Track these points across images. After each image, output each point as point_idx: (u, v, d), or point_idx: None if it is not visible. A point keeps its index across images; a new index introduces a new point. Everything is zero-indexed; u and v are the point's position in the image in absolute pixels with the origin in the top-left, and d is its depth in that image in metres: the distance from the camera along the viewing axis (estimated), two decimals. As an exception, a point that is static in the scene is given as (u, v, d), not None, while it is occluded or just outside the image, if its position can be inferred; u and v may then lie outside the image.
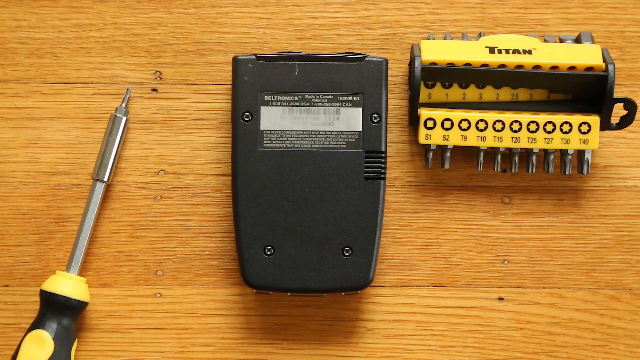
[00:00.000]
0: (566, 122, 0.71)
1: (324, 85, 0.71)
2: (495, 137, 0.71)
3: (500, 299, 0.74)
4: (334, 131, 0.71)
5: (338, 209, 0.70)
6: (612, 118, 0.72)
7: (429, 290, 0.74)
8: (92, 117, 0.74)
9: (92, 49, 0.75)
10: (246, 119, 0.71)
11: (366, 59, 0.71)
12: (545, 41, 0.73)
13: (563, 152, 0.73)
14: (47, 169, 0.74)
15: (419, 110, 0.72)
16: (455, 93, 0.73)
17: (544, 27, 0.75)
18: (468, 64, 0.71)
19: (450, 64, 0.71)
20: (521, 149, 0.72)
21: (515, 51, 0.71)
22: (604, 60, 0.71)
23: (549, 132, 0.71)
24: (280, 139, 0.71)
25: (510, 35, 0.72)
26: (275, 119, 0.71)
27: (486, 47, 0.71)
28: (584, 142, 0.71)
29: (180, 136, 0.74)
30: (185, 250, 0.74)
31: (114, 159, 0.73)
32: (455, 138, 0.72)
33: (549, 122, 0.71)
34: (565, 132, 0.71)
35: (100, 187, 0.73)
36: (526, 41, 0.72)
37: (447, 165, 0.73)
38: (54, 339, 0.71)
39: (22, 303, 0.74)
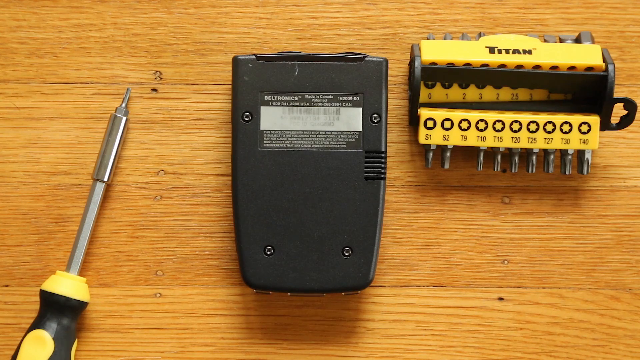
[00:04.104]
0: (566, 122, 0.71)
1: (324, 85, 0.71)
2: (495, 137, 0.71)
3: (500, 299, 0.74)
4: (334, 131, 0.71)
5: (338, 209, 0.70)
6: (612, 118, 0.72)
7: (429, 290, 0.74)
8: (92, 117, 0.74)
9: (92, 49, 0.75)
10: (246, 119, 0.71)
11: (366, 59, 0.71)
12: (545, 41, 0.73)
13: (563, 152, 0.73)
14: (47, 169, 0.74)
15: (419, 110, 0.72)
16: (455, 93, 0.73)
17: (544, 27, 0.75)
18: (468, 64, 0.71)
19: (450, 64, 0.71)
20: (521, 149, 0.72)
21: (515, 51, 0.71)
22: (604, 60, 0.71)
23: (549, 132, 0.71)
24: (280, 139, 0.71)
25: (510, 35, 0.72)
26: (275, 119, 0.71)
27: (486, 47, 0.71)
28: (584, 142, 0.71)
29: (180, 136, 0.74)
30: (185, 250, 0.74)
31: (114, 159, 0.73)
32: (455, 138, 0.72)
33: (549, 122, 0.71)
34: (565, 132, 0.71)
35: (100, 187, 0.73)
36: (526, 41, 0.72)
37: (447, 165, 0.73)
38: (54, 339, 0.71)
39: (22, 303, 0.74)
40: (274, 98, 0.71)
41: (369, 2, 0.75)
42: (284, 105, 0.71)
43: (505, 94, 0.73)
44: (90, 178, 0.74)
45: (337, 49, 0.75)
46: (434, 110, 0.72)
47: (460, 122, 0.71)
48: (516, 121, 0.71)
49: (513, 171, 0.73)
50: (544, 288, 0.74)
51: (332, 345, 0.74)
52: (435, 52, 0.71)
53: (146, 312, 0.74)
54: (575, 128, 0.71)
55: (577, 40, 0.73)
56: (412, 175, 0.75)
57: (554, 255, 0.74)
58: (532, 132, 0.71)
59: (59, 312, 0.71)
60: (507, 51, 0.71)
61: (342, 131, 0.71)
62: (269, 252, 0.70)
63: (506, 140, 0.72)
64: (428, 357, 0.74)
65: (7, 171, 0.74)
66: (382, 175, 0.70)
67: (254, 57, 0.71)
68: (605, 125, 0.72)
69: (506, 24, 0.75)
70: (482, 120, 0.71)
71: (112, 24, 0.75)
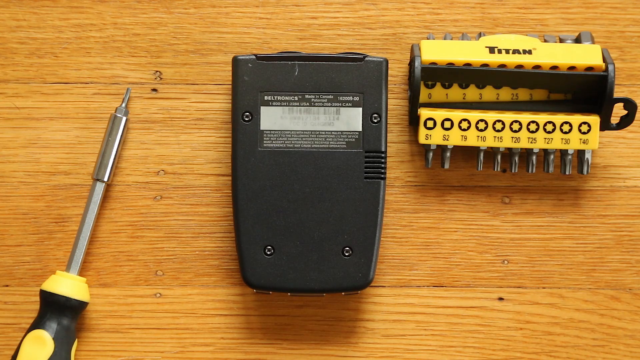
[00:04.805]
0: (566, 122, 0.71)
1: (324, 85, 0.71)
2: (495, 137, 0.71)
3: (500, 299, 0.74)
4: (334, 131, 0.71)
5: (338, 209, 0.70)
6: (612, 118, 0.72)
7: (429, 290, 0.74)
8: (92, 117, 0.74)
9: (92, 49, 0.75)
10: (246, 119, 0.71)
11: (366, 59, 0.71)
12: (545, 41, 0.73)
13: (563, 152, 0.73)
14: (47, 169, 0.74)
15: (419, 110, 0.72)
16: (455, 93, 0.73)
17: (544, 27, 0.75)
18: (468, 64, 0.71)
19: (450, 64, 0.71)
20: (521, 149, 0.72)
21: (515, 51, 0.71)
22: (604, 60, 0.71)
23: (549, 132, 0.71)
24: (280, 139, 0.71)
25: (510, 35, 0.72)
26: (275, 119, 0.71)
27: (486, 47, 0.71)
28: (584, 142, 0.71)
29: (180, 136, 0.74)
30: (185, 250, 0.74)
31: (114, 159, 0.73)
32: (455, 138, 0.72)
33: (549, 122, 0.71)
34: (565, 132, 0.71)
35: (100, 187, 0.73)
36: (526, 41, 0.72)
37: (447, 165, 0.73)
38: (54, 339, 0.71)
39: (22, 303, 0.74)
40: (274, 98, 0.71)
41: (369, 2, 0.75)
42: (284, 105, 0.71)
43: (505, 94, 0.73)
44: (90, 178, 0.74)
45: (337, 49, 0.75)
46: (434, 110, 0.72)
47: (460, 122, 0.71)
48: (516, 121, 0.71)
49: (513, 171, 0.73)
50: (544, 288, 0.74)
51: (332, 345, 0.74)
52: (435, 52, 0.71)
53: (146, 312, 0.74)
54: (575, 128, 0.71)
55: (577, 40, 0.73)
56: (412, 175, 0.75)
57: (554, 255, 0.74)
58: (532, 132, 0.71)
59: (59, 312, 0.71)
60: (507, 51, 0.71)
61: (342, 131, 0.71)
62: (269, 252, 0.70)
63: (506, 140, 0.72)
64: (428, 357, 0.74)
65: (7, 171, 0.74)
66: (382, 175, 0.70)
67: (254, 57, 0.71)
68: (605, 125, 0.72)
69: (506, 24, 0.75)
70: (482, 120, 0.71)
71: (112, 24, 0.75)
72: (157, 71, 0.75)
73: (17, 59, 0.75)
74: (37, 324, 0.71)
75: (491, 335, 0.74)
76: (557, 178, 0.75)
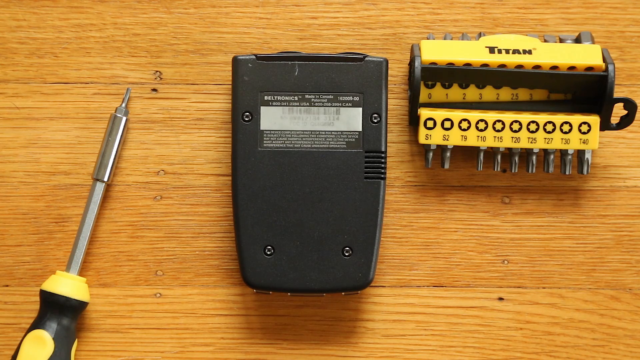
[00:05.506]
0: (566, 122, 0.71)
1: (324, 85, 0.71)
2: (495, 137, 0.71)
3: (500, 299, 0.74)
4: (334, 131, 0.71)
5: (338, 209, 0.70)
6: (612, 118, 0.72)
7: (429, 290, 0.74)
8: (92, 117, 0.74)
9: (92, 49, 0.75)
10: (246, 119, 0.71)
11: (366, 59, 0.71)
12: (545, 41, 0.73)
13: (563, 152, 0.73)
14: (47, 169, 0.74)
15: (419, 110, 0.72)
16: (455, 93, 0.73)
17: (544, 27, 0.75)
18: (468, 64, 0.71)
19: (450, 64, 0.71)
20: (521, 149, 0.72)
21: (515, 51, 0.71)
22: (604, 60, 0.71)
23: (549, 132, 0.71)
24: (280, 139, 0.71)
25: (510, 35, 0.72)
26: (275, 119, 0.71)
27: (486, 47, 0.71)
28: (584, 142, 0.71)
29: (180, 136, 0.74)
30: (185, 250, 0.74)
31: (114, 159, 0.73)
32: (455, 138, 0.72)
33: (549, 122, 0.71)
34: (565, 132, 0.71)
35: (100, 187, 0.73)
36: (526, 41, 0.72)
37: (447, 165, 0.73)
38: (54, 339, 0.71)
39: (22, 303, 0.74)
40: (274, 98, 0.71)
41: (369, 2, 0.75)
42: (284, 105, 0.71)
43: (505, 94, 0.73)
44: (90, 178, 0.74)
45: (337, 49, 0.75)
46: (434, 110, 0.72)
47: (460, 122, 0.71)
48: (516, 121, 0.71)
49: (513, 171, 0.73)
50: (544, 288, 0.74)
51: (332, 345, 0.74)
52: (435, 52, 0.71)
53: (146, 312, 0.74)
54: (575, 128, 0.71)
55: (577, 40, 0.73)
56: (412, 175, 0.75)
57: (554, 255, 0.74)
58: (532, 132, 0.71)
59: (59, 312, 0.71)
60: (507, 51, 0.71)
61: (342, 131, 0.71)
62: (269, 252, 0.70)
63: (506, 140, 0.72)
64: (428, 357, 0.74)
65: (7, 171, 0.74)
66: (382, 175, 0.70)
67: (254, 57, 0.71)
68: (605, 125, 0.72)
69: (506, 24, 0.75)
70: (482, 120, 0.71)
71: (112, 24, 0.75)
72: (157, 71, 0.75)
73: (17, 59, 0.75)
74: (37, 324, 0.71)
75: (491, 335, 0.74)
76: (557, 178, 0.75)
